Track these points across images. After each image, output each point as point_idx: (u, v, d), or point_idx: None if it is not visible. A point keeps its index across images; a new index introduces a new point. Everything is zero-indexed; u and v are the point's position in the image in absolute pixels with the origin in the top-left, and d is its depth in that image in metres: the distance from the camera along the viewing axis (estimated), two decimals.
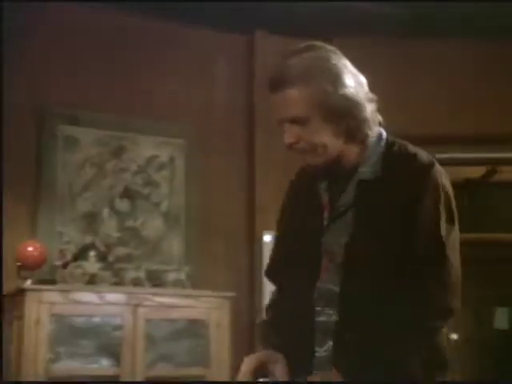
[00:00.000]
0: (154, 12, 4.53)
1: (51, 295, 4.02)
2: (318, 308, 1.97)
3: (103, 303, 4.16)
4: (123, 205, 4.63)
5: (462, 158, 5.14)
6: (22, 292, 3.96)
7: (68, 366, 4.02)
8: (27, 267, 4.16)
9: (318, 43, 1.95)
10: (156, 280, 4.50)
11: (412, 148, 1.99)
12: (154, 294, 4.27)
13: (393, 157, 1.98)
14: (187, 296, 4.37)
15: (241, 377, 1.91)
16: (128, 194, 4.65)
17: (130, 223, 4.62)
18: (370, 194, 1.95)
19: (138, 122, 4.63)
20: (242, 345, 4.20)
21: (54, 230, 4.38)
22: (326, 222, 2.01)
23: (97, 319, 4.18)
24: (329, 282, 1.97)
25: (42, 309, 3.96)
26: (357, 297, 1.92)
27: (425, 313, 1.89)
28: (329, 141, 1.91)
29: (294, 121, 1.90)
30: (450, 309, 1.89)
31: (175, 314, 4.31)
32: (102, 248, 4.43)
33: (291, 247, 2.10)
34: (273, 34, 4.77)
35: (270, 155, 4.71)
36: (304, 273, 2.03)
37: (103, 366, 4.08)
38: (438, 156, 2.05)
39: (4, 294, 4.19)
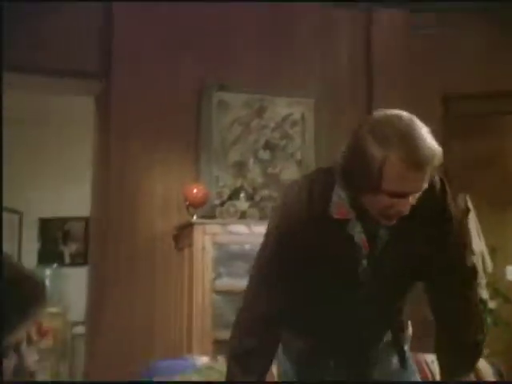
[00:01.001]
0: None
1: (213, 227, 4.31)
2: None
3: (252, 234, 4.32)
4: (265, 155, 4.81)
5: None
6: (190, 225, 4.28)
7: (227, 283, 4.29)
8: (193, 206, 4.38)
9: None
10: None
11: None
12: None
13: None
14: None
15: None
16: (268, 146, 4.81)
17: (270, 170, 4.80)
18: (403, 227, 1.87)
19: (275, 86, 4.77)
20: None
21: (212, 176, 4.64)
22: (365, 260, 1.93)
23: (247, 246, 4.35)
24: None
25: (206, 238, 4.26)
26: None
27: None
28: None
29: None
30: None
31: None
32: (250, 190, 4.64)
33: (317, 269, 1.95)
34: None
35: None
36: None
37: None
38: None
39: (177, 226, 4.50)
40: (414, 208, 1.83)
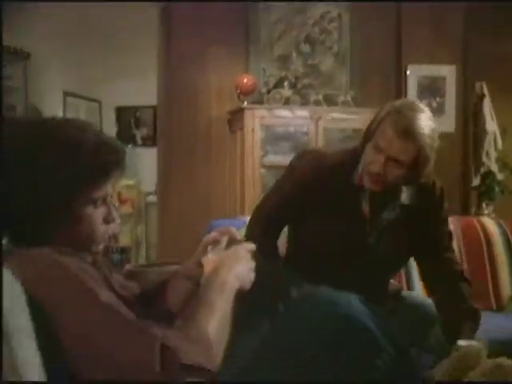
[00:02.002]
0: None
1: (261, 112, 4.35)
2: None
3: (295, 117, 4.41)
4: (306, 48, 4.78)
5: None
6: (241, 110, 4.35)
7: (273, 159, 4.39)
8: (244, 93, 4.43)
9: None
10: (330, 101, 4.56)
11: (431, 180, 2.04)
12: (329, 111, 4.44)
13: (421, 189, 2.02)
14: (352, 112, 4.44)
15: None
16: (309, 40, 4.78)
17: (310, 61, 4.79)
18: (406, 215, 2.00)
19: None
20: None
21: (259, 67, 4.69)
22: (368, 227, 1.98)
23: (291, 128, 4.46)
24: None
25: (255, 121, 4.31)
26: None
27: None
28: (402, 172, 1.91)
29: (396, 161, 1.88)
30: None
31: (344, 125, 4.43)
32: (293, 79, 4.60)
33: (318, 225, 2.00)
34: None
35: None
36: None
37: None
38: None
39: (230, 111, 4.59)
40: (416, 205, 1.98)
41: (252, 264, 1.36)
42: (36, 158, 1.24)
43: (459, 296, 2.03)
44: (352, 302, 1.28)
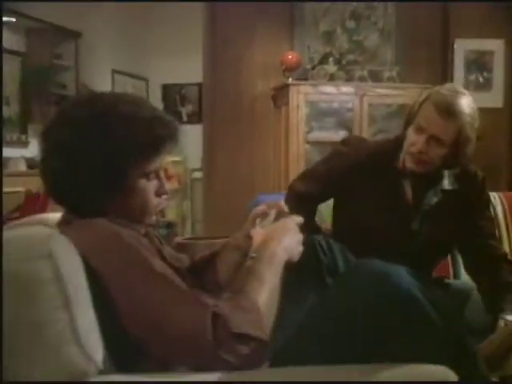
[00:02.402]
0: None
1: (305, 88, 4.36)
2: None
3: (339, 93, 4.43)
4: (351, 24, 4.76)
5: None
6: (286, 86, 4.37)
7: (317, 135, 4.43)
8: (289, 70, 4.45)
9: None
10: (375, 77, 4.59)
11: (472, 168, 2.05)
12: (374, 87, 4.45)
13: (463, 175, 2.03)
14: (397, 88, 4.45)
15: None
16: (354, 16, 4.76)
17: (355, 37, 4.76)
18: (449, 201, 2.01)
19: None
20: None
21: (304, 44, 4.69)
22: (411, 213, 1.99)
23: (335, 104, 4.47)
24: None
25: (300, 97, 4.32)
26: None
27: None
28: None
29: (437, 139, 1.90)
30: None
31: (389, 101, 4.44)
32: (337, 55, 4.63)
33: (360, 207, 2.01)
34: None
35: None
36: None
37: (340, 134, 4.23)
38: None
39: (274, 88, 4.60)
40: (458, 190, 1.99)
41: (300, 236, 1.36)
42: (92, 132, 1.27)
43: (501, 275, 2.02)
44: (402, 273, 1.28)
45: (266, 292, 1.22)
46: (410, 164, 1.97)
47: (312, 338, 1.31)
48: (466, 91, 1.96)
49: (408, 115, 2.00)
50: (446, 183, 2.01)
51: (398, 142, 2.04)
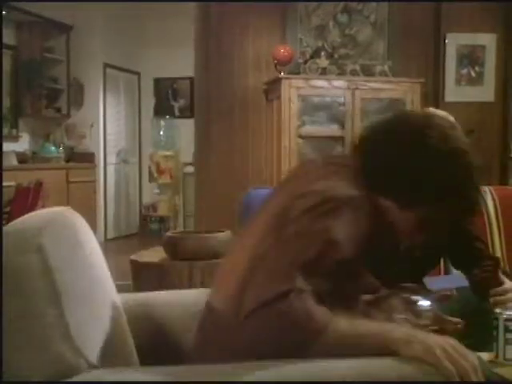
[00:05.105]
0: None
1: (297, 82, 4.33)
2: None
3: (331, 87, 4.38)
4: (343, 18, 4.73)
5: None
6: (278, 80, 4.34)
7: (310, 129, 4.39)
8: (281, 63, 4.43)
9: None
10: (367, 71, 4.55)
11: None
12: (367, 81, 4.42)
13: None
14: (389, 82, 4.44)
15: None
16: (346, 9, 4.73)
17: (348, 31, 4.73)
18: None
19: None
20: None
21: (296, 37, 4.65)
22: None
23: (328, 99, 4.44)
24: None
25: (291, 91, 4.28)
26: None
27: None
28: None
29: None
30: None
31: (381, 95, 4.41)
32: (329, 49, 4.58)
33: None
34: None
35: None
36: None
37: (332, 129, 4.37)
38: None
39: (266, 82, 4.58)
40: None
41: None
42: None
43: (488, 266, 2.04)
44: None
45: (346, 332, 1.14)
46: None
47: None
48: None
49: None
50: None
51: None
